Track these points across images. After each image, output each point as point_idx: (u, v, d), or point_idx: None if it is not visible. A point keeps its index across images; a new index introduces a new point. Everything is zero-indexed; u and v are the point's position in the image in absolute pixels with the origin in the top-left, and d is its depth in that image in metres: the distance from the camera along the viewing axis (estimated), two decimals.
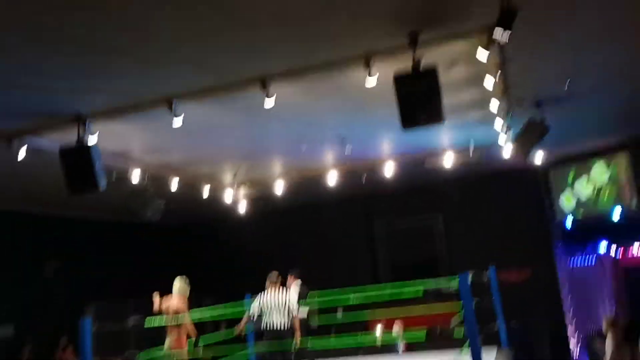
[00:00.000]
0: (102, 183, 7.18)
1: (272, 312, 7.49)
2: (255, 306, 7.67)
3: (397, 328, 10.79)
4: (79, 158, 7.01)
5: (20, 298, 11.57)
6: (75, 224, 12.91)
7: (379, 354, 10.21)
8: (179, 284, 7.55)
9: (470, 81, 7.18)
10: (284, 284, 7.95)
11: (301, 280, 9.36)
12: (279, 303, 7.55)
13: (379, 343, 10.63)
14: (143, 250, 14.55)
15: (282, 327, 7.48)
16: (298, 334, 7.70)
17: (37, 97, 6.29)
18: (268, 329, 7.53)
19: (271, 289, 7.76)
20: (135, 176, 9.32)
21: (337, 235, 15.01)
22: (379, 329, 10.97)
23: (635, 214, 12.82)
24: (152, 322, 7.60)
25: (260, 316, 7.68)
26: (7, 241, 11.48)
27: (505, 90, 7.39)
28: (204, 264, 15.35)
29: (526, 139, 8.55)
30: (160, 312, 7.43)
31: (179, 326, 7.36)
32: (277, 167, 11.15)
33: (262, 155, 10.12)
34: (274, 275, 7.95)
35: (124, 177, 9.17)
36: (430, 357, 8.57)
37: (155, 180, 9.78)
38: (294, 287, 9.01)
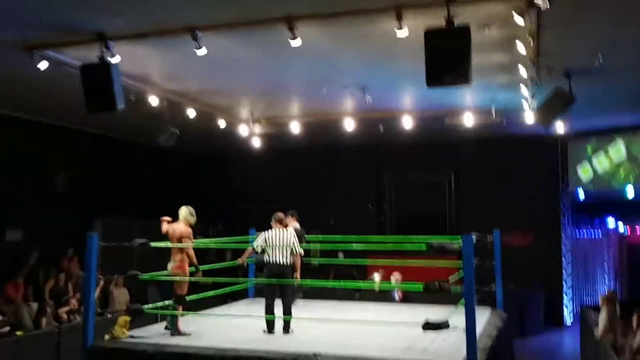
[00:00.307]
0: (120, 103, 7.20)
1: (275, 249, 7.63)
2: (259, 241, 7.81)
3: (395, 277, 10.96)
4: (99, 76, 7.02)
5: (31, 206, 11.81)
6: (90, 139, 13.01)
7: (376, 301, 10.42)
8: (184, 211, 7.65)
9: (501, 44, 7.00)
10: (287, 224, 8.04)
11: (299, 223, 9.45)
12: (282, 241, 7.69)
13: (376, 289, 10.83)
14: (154, 173, 14.71)
15: (284, 264, 7.64)
16: (298, 272, 7.87)
17: (59, 10, 6.22)
18: (269, 264, 7.69)
19: (276, 228, 7.87)
20: (153, 101, 9.32)
21: (347, 182, 15.07)
22: (377, 276, 11.16)
23: None
24: (157, 244, 7.75)
25: (263, 251, 7.83)
26: (21, 148, 11.62)
27: (535, 57, 7.21)
28: (212, 194, 15.53)
29: (551, 108, 8.42)
30: (166, 235, 7.57)
31: (181, 252, 7.51)
32: (294, 107, 11.07)
33: (281, 93, 10.04)
34: (279, 214, 8.03)
35: (141, 100, 9.18)
36: (425, 309, 8.73)
37: (172, 107, 9.77)
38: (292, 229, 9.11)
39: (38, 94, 9.73)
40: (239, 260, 8.42)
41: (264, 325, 7.60)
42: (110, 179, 13.52)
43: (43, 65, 7.45)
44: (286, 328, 7.58)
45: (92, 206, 12.88)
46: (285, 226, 7.99)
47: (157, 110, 9.56)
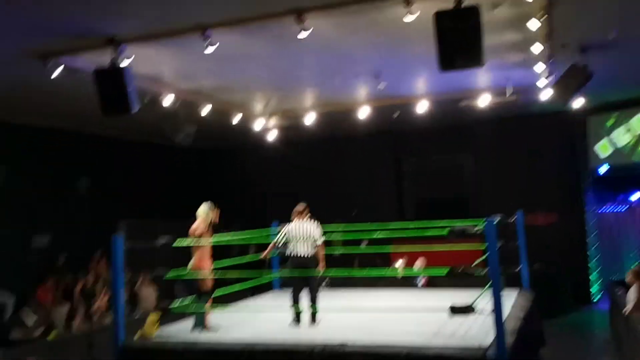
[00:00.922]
0: (135, 106, 7.28)
1: (298, 241, 7.68)
2: (281, 234, 7.87)
3: (419, 263, 10.95)
4: (112, 80, 7.11)
5: (56, 211, 12.00)
6: (108, 142, 13.15)
7: (399, 287, 10.43)
8: (202, 208, 7.73)
9: (513, 23, 6.92)
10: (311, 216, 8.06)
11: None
12: (304, 233, 7.73)
13: (399, 276, 10.83)
14: (174, 172, 14.84)
15: (307, 255, 7.68)
16: (322, 263, 7.92)
17: (71, 17, 6.28)
18: (293, 256, 7.74)
19: (297, 219, 7.90)
20: (167, 101, 9.39)
21: (365, 170, 15.05)
22: (400, 262, 11.15)
23: None
24: (180, 242, 7.84)
25: (285, 244, 7.88)
26: (43, 156, 11.80)
27: (549, 34, 7.12)
28: (232, 190, 15.62)
29: (568, 84, 8.33)
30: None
31: (199, 248, 7.60)
32: (308, 98, 11.07)
33: (294, 86, 10.04)
34: (301, 206, 8.07)
35: (156, 101, 9.25)
36: (450, 294, 8.72)
37: (187, 105, 9.83)
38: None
39: (54, 101, 9.85)
40: (263, 255, 8.49)
41: (291, 318, 7.65)
42: (130, 181, 13.67)
43: (57, 72, 7.54)
44: (313, 319, 7.63)
45: (115, 208, 13.03)
46: (309, 217, 8.02)
47: (172, 110, 9.62)
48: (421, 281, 10.81)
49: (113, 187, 13.21)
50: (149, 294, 11.44)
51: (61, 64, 7.51)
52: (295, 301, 7.70)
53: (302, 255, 7.69)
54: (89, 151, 12.71)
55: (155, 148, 14.10)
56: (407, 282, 10.86)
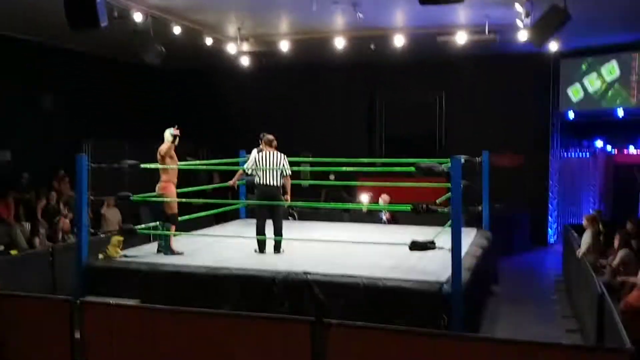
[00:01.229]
0: (103, 20, 7.00)
1: (266, 171, 7.65)
2: (249, 163, 7.82)
3: (383, 199, 11.08)
4: None
5: (18, 126, 11.68)
6: (76, 57, 12.70)
7: (364, 222, 10.59)
8: (166, 132, 7.59)
9: None
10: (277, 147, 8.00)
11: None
12: (273, 163, 7.70)
13: (364, 209, 10.98)
14: (142, 92, 14.49)
15: (274, 185, 7.69)
16: (289, 194, 7.94)
17: None
18: (260, 185, 7.74)
19: (266, 150, 7.85)
20: (137, 17, 9.04)
21: (337, 102, 14.94)
22: (366, 197, 11.28)
23: (637, 115, 12.78)
24: (146, 165, 7.75)
25: (252, 174, 7.86)
26: (8, 68, 11.36)
27: None
28: (201, 114, 15.38)
29: (545, 25, 8.25)
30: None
31: (166, 172, 7.53)
32: (283, 24, 10.79)
33: (269, 9, 9.75)
34: (269, 136, 7.98)
35: (126, 17, 8.90)
36: (413, 230, 8.91)
37: (158, 24, 9.49)
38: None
39: (22, 10, 9.41)
40: (230, 182, 8.46)
41: (255, 246, 7.74)
42: (98, 99, 13.33)
43: None
44: (277, 248, 7.73)
45: (80, 127, 12.76)
46: (276, 149, 7.96)
47: (141, 27, 9.28)
48: (385, 216, 10.97)
49: (79, 104, 12.87)
50: (113, 215, 11.40)
51: None
52: (261, 230, 7.76)
53: (269, 185, 7.69)
54: (55, 65, 12.26)
55: (124, 66, 13.69)
56: (372, 216, 11.02)
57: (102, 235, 9.64)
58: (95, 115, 13.15)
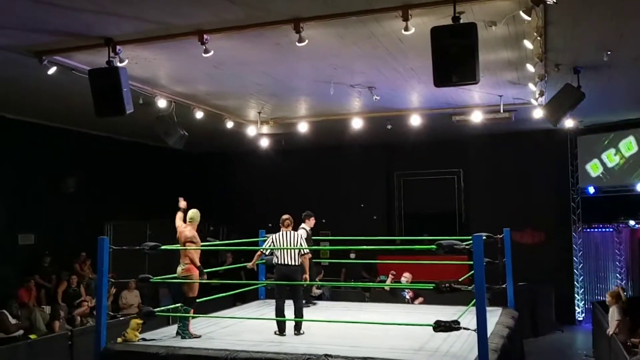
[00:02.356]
0: (129, 107, 7.22)
1: (283, 250, 7.65)
2: (266, 244, 7.84)
3: (406, 277, 10.94)
4: (107, 80, 7.06)
5: (42, 209, 11.89)
6: (99, 142, 13.07)
7: (385, 302, 10.40)
8: (191, 214, 7.66)
9: (508, 41, 6.98)
10: (295, 228, 8.04)
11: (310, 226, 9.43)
12: (289, 243, 7.72)
13: (387, 288, 10.82)
14: (164, 175, 14.76)
15: (291, 264, 7.68)
16: (307, 274, 7.89)
17: (68, 15, 6.25)
18: (278, 265, 7.71)
19: (283, 229, 7.90)
20: (162, 103, 9.36)
21: (355, 181, 15.07)
22: (390, 277, 11.12)
23: None
24: (166, 247, 7.79)
25: (271, 253, 7.86)
26: (32, 153, 11.70)
27: (543, 53, 7.18)
28: (221, 196, 15.57)
29: (560, 104, 8.38)
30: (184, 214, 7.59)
31: (190, 253, 7.54)
32: (302, 107, 11.08)
33: (289, 94, 10.05)
34: (285, 217, 8.08)
35: (150, 103, 9.22)
36: (435, 310, 8.72)
37: (181, 109, 9.81)
38: (303, 229, 9.13)
39: (48, 99, 9.81)
40: (249, 265, 8.45)
41: (275, 327, 7.61)
42: (120, 181, 13.59)
43: (52, 70, 7.52)
44: (297, 329, 7.58)
45: (103, 209, 12.96)
46: (294, 229, 7.99)
47: (165, 113, 9.59)
48: (408, 294, 10.79)
49: (101, 186, 13.12)
50: (133, 297, 11.36)
51: (56, 62, 7.48)
52: (280, 310, 7.65)
53: (287, 264, 7.65)
54: (79, 149, 12.62)
55: (147, 149, 14.04)
56: (394, 296, 10.83)
57: (121, 318, 9.58)
58: (117, 197, 13.37)
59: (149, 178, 14.36)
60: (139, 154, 14.13)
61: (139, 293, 11.48)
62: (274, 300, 7.83)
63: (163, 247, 7.74)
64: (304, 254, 7.78)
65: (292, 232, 7.86)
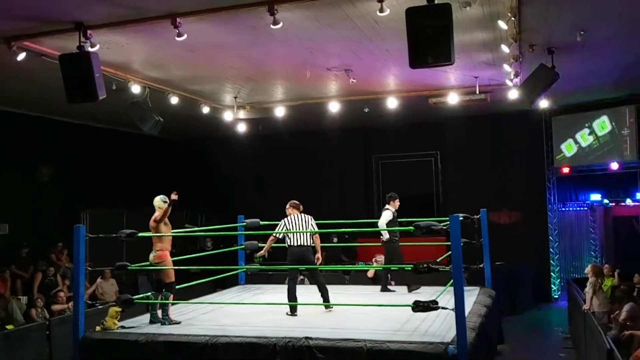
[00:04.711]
0: (101, 93, 7.12)
1: (296, 233, 7.89)
2: (280, 228, 8.03)
3: (378, 259, 11.02)
4: (78, 66, 6.94)
5: (16, 199, 11.70)
6: (73, 130, 12.86)
7: (364, 285, 10.46)
8: (156, 200, 7.59)
9: (483, 22, 6.99)
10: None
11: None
12: (302, 225, 7.96)
13: (370, 275, 10.91)
14: (139, 162, 14.61)
15: (306, 245, 7.91)
16: (319, 253, 8.11)
17: (37, 0, 6.11)
18: (292, 247, 7.93)
19: (294, 213, 8.13)
20: (135, 89, 9.23)
21: (333, 164, 15.06)
22: (379, 259, 11.18)
23: (632, 167, 12.90)
24: (144, 234, 7.72)
25: (284, 236, 8.05)
26: (4, 141, 11.48)
27: (518, 34, 7.21)
28: (198, 181, 15.47)
29: (534, 85, 8.44)
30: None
31: (160, 240, 7.49)
32: (278, 91, 11.01)
33: (264, 78, 9.97)
34: (295, 201, 8.29)
35: (123, 89, 9.09)
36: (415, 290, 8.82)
37: (155, 95, 9.68)
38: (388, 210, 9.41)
39: (19, 86, 9.61)
40: (261, 252, 8.51)
41: (280, 309, 7.72)
42: (96, 169, 13.41)
43: (21, 56, 7.36)
44: (327, 304, 7.84)
45: (79, 198, 12.79)
46: (302, 211, 8.18)
47: (139, 99, 9.46)
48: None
49: (76, 174, 12.93)
50: (109, 286, 11.27)
51: (25, 48, 7.32)
52: (293, 292, 7.79)
53: (301, 245, 7.87)
54: (53, 137, 12.40)
55: (123, 137, 13.85)
56: (375, 278, 10.90)
57: (99, 307, 9.51)
58: (93, 186, 13.20)
59: (126, 166, 14.19)
60: (115, 141, 13.94)
61: (115, 282, 11.39)
62: (253, 286, 7.89)
63: (140, 234, 7.68)
64: (317, 235, 8.03)
65: (303, 215, 8.08)
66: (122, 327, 7.28)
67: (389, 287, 9.48)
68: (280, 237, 8.13)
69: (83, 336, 6.96)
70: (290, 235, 7.89)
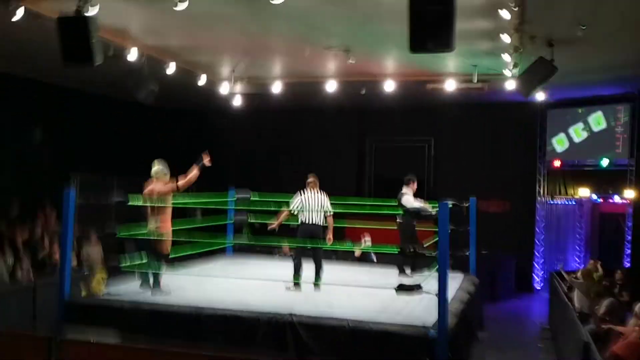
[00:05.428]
0: (98, 57, 7.07)
1: (312, 210, 7.94)
2: (296, 202, 8.02)
3: (366, 239, 11.11)
4: (76, 28, 6.85)
5: (5, 161, 11.64)
6: (67, 94, 12.75)
7: (351, 263, 10.55)
8: (158, 168, 7.58)
9: (485, 10, 6.95)
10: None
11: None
12: (318, 203, 8.03)
13: (357, 254, 10.99)
14: (133, 129, 14.54)
15: (319, 223, 8.00)
16: (331, 234, 8.18)
17: None
18: (305, 224, 7.99)
19: (310, 189, 8.16)
20: (132, 55, 9.15)
21: (327, 144, 15.05)
22: (367, 239, 11.25)
23: (622, 165, 13.00)
24: (134, 202, 7.72)
25: (299, 212, 8.08)
26: None
27: (520, 25, 7.20)
28: (191, 152, 15.37)
29: (532, 77, 8.45)
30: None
31: (164, 209, 7.51)
32: (276, 67, 10.96)
33: (263, 52, 9.90)
34: (313, 177, 8.35)
35: (120, 55, 9.00)
36: (396, 271, 8.91)
37: (152, 63, 9.60)
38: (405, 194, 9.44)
39: (13, 46, 9.48)
40: (272, 226, 8.52)
41: (291, 284, 7.88)
42: (88, 134, 13.34)
43: (18, 15, 7.25)
44: (318, 281, 7.97)
45: (70, 162, 12.74)
46: (320, 189, 8.24)
47: (136, 65, 9.39)
48: (374, 256, 11.01)
49: (69, 139, 12.86)
50: (97, 251, 11.27)
51: (23, 7, 7.22)
52: (299, 267, 7.94)
53: (315, 223, 7.96)
54: (46, 100, 12.30)
55: (116, 103, 13.75)
56: (362, 257, 11.01)
57: (85, 273, 9.52)
58: (85, 151, 13.14)
59: (118, 132, 14.12)
60: (109, 107, 13.83)
61: (101, 248, 11.38)
62: (241, 258, 7.95)
63: (131, 202, 7.68)
64: (330, 214, 8.10)
65: (320, 193, 8.14)
66: (108, 293, 7.33)
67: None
68: (295, 212, 8.14)
69: (68, 300, 7.00)
70: (305, 212, 7.95)
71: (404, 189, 9.35)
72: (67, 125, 12.81)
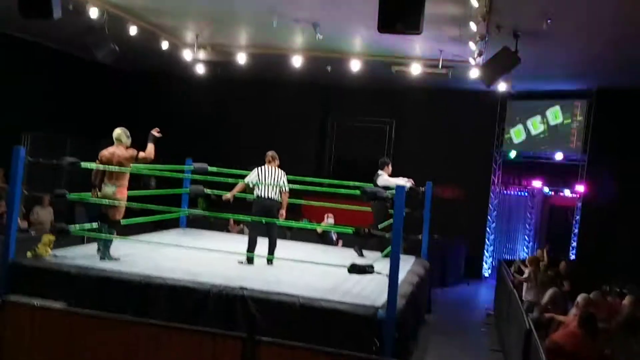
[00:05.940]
0: (57, 11, 6.82)
1: (267, 185, 7.85)
2: (251, 177, 7.87)
3: (329, 219, 11.13)
4: None
5: None
6: (25, 46, 12.25)
7: (305, 242, 10.56)
8: (120, 133, 7.38)
9: None
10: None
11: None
12: (274, 179, 7.93)
13: (319, 231, 11.01)
14: (91, 89, 14.11)
15: (274, 199, 7.88)
16: (284, 210, 8.07)
17: None
18: (260, 198, 7.87)
19: (269, 165, 8.06)
20: (93, 13, 8.83)
21: (289, 120, 14.94)
22: (329, 219, 11.25)
23: (575, 160, 13.35)
24: (88, 165, 7.49)
25: (252, 187, 7.95)
26: None
27: (487, 13, 7.23)
28: (149, 117, 15.05)
29: (495, 66, 8.53)
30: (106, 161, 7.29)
31: (123, 176, 7.32)
32: (242, 36, 10.76)
33: (229, 20, 9.70)
34: (273, 153, 8.20)
35: (81, 11, 8.68)
36: (354, 253, 8.96)
37: (114, 22, 9.29)
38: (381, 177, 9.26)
39: None
40: (228, 196, 8.38)
41: (240, 257, 7.73)
42: (43, 91, 12.88)
43: None
44: (270, 260, 7.86)
45: (21, 118, 12.29)
46: (278, 165, 8.12)
47: (97, 23, 9.07)
48: (335, 236, 11.06)
49: (21, 94, 12.38)
50: (45, 214, 10.98)
51: None
52: (254, 243, 7.82)
53: (270, 198, 7.84)
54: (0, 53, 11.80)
55: (75, 61, 13.30)
56: (320, 237, 11.03)
57: (32, 233, 9.27)
58: (38, 108, 12.69)
59: (74, 92, 13.67)
60: (67, 65, 13.38)
61: (52, 210, 11.10)
62: (194, 230, 7.84)
63: (84, 164, 7.45)
64: (285, 191, 7.99)
65: (277, 169, 8.02)
66: (54, 255, 7.14)
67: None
68: (251, 185, 8.07)
69: (13, 261, 6.80)
70: (260, 186, 7.86)
71: (379, 172, 9.31)
72: (20, 80, 12.33)
